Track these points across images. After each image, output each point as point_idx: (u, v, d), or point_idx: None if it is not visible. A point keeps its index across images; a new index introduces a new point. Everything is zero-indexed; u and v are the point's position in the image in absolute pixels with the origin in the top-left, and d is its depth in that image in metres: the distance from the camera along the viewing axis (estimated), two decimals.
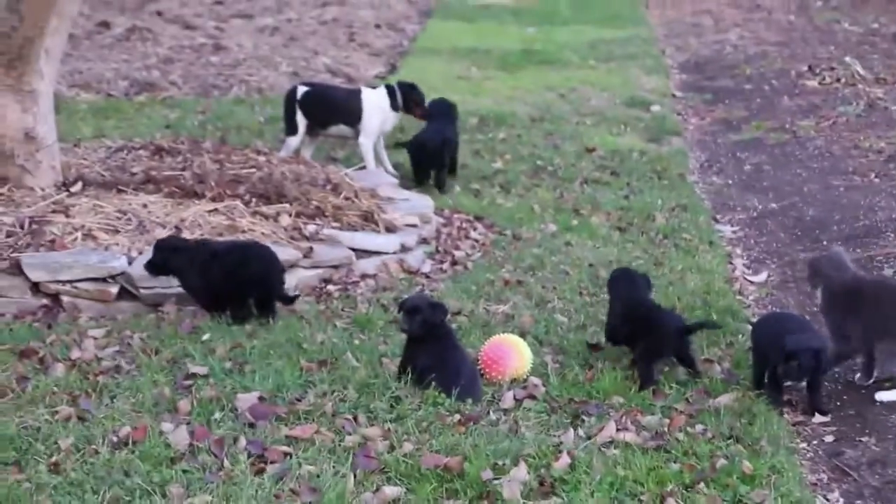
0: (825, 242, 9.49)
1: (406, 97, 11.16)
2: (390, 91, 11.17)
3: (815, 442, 6.12)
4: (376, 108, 11.04)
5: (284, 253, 8.02)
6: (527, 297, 7.94)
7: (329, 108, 11.16)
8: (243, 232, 8.32)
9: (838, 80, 15.81)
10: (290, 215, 8.76)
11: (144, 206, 8.57)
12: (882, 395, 6.53)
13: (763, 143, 13.31)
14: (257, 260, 7.40)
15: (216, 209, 8.62)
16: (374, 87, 11.52)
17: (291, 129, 11.15)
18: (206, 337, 6.92)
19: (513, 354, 6.49)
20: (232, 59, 17.31)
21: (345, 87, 12.72)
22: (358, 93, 11.28)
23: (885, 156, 12.04)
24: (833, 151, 12.51)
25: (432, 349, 6.25)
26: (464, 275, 8.51)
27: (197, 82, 15.76)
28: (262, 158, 9.96)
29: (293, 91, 11.29)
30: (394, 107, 11.09)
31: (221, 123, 13.16)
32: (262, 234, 8.34)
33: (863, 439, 6.09)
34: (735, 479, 5.32)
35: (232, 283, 7.27)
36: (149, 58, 17.11)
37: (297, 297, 7.59)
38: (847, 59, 16.62)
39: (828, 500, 5.50)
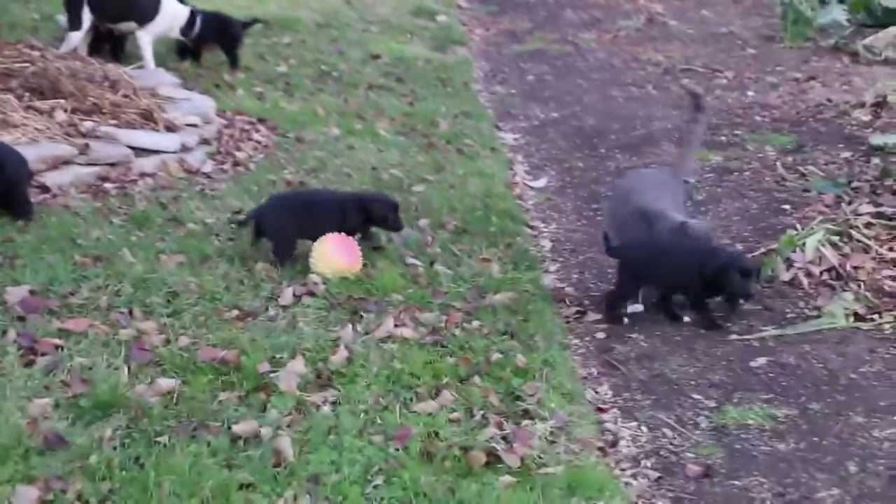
0: (603, 150, 9.70)
1: (202, 33, 10.95)
2: (191, 17, 10.88)
3: (587, 338, 6.30)
4: (171, 17, 10.73)
5: (59, 149, 7.80)
6: None
7: (122, 4, 10.76)
8: (15, 126, 8.04)
9: None
10: (66, 111, 8.49)
11: None
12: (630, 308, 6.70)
13: (546, 55, 13.48)
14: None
15: None
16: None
17: (75, 24, 10.72)
18: None
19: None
20: None
21: None
22: None
23: (661, 69, 12.36)
24: (613, 64, 12.77)
25: None
26: (245, 175, 8.41)
27: None
28: (36, 53, 9.57)
29: None
30: (184, 32, 10.88)
31: None
32: (36, 129, 8.07)
33: (632, 336, 6.29)
34: (509, 372, 5.43)
35: None
36: None
37: None
38: None
39: (597, 392, 5.66)
